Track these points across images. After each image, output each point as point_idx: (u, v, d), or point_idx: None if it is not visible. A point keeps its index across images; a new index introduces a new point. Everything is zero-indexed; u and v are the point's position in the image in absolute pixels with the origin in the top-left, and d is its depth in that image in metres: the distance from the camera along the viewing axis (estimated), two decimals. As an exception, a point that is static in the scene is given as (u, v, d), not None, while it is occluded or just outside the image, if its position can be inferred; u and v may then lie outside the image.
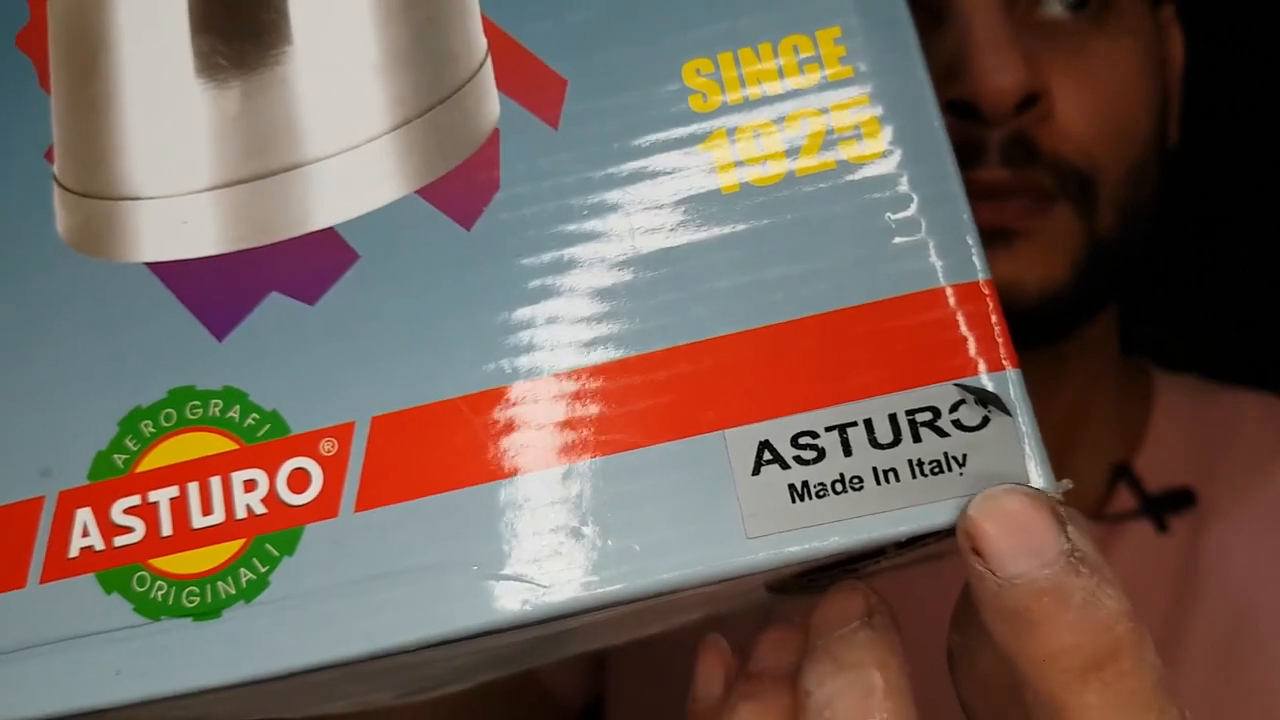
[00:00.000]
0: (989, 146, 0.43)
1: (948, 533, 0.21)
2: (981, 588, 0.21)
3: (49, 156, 0.26)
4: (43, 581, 0.23)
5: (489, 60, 0.25)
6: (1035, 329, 0.46)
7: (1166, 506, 0.51)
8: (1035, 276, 0.44)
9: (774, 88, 0.24)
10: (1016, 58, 0.42)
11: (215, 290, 0.24)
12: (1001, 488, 0.21)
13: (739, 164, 0.23)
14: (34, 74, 0.27)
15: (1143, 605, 0.50)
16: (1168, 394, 0.55)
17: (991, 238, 0.44)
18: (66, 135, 0.26)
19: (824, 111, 0.23)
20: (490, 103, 0.24)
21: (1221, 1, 0.63)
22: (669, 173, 0.24)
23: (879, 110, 0.23)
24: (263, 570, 0.22)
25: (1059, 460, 0.53)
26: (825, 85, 0.24)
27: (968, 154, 0.44)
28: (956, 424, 0.21)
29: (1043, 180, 0.44)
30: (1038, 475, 0.21)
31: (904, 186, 0.23)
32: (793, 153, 0.23)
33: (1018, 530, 0.20)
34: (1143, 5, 0.48)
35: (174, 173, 0.25)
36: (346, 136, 0.25)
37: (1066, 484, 0.21)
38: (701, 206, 0.23)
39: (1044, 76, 0.44)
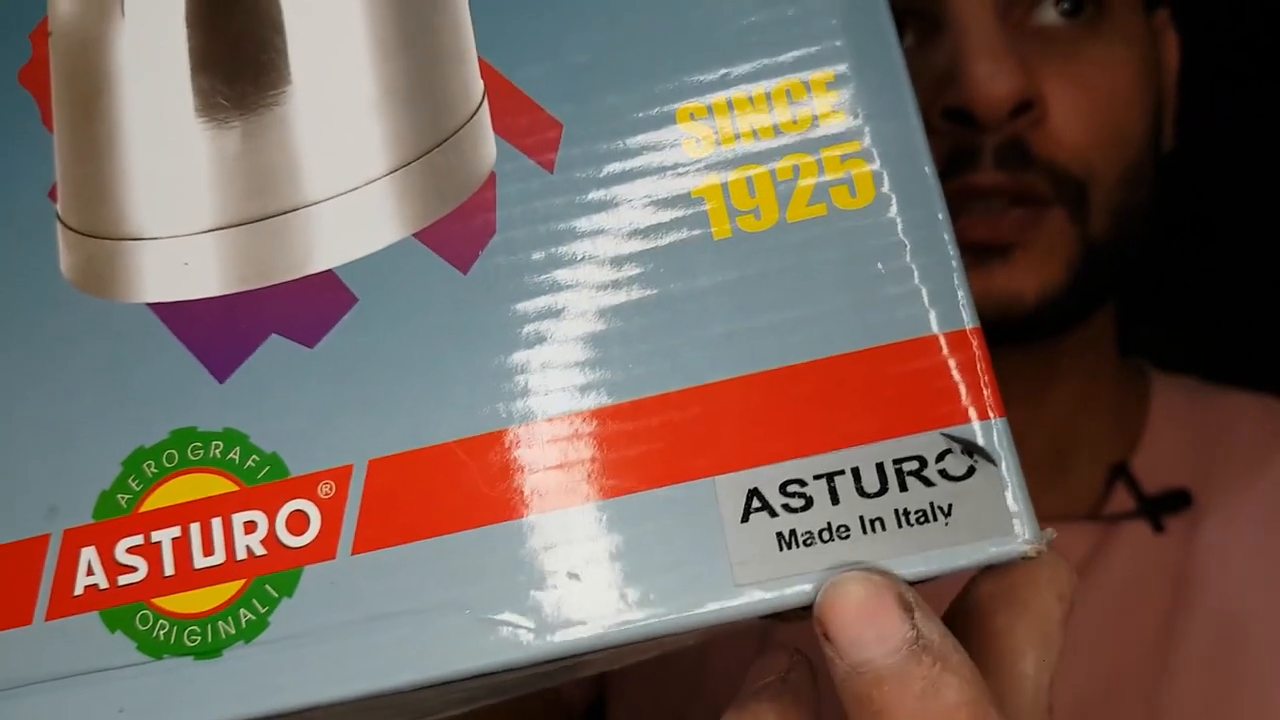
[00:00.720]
0: (983, 151, 0.44)
1: (935, 579, 0.21)
2: (834, 672, 0.21)
3: (52, 195, 0.26)
4: (48, 619, 0.24)
5: (486, 103, 0.25)
6: (1031, 328, 0.46)
7: (1163, 507, 0.51)
8: (1034, 284, 0.45)
9: (767, 133, 0.24)
10: (1011, 64, 0.43)
11: (216, 332, 0.25)
12: (850, 574, 0.21)
13: (732, 210, 0.24)
14: (37, 112, 0.27)
15: (1138, 605, 0.51)
16: (1165, 395, 0.55)
17: (988, 253, 0.45)
18: (69, 174, 0.26)
19: (816, 159, 0.24)
20: (487, 146, 0.25)
21: (1216, 5, 0.63)
22: (663, 219, 0.24)
23: (871, 157, 0.23)
24: (262, 611, 0.23)
25: (1056, 461, 0.53)
26: (818, 131, 0.24)
27: (962, 159, 0.44)
28: (943, 473, 0.22)
29: (1037, 184, 0.45)
30: (1021, 525, 0.21)
31: (895, 234, 0.23)
32: (784, 199, 0.23)
33: (864, 617, 0.21)
34: (1137, 11, 0.49)
35: (175, 213, 0.25)
36: (345, 179, 0.25)
37: (1050, 534, 0.21)
38: (694, 253, 0.23)
39: (1038, 82, 0.44)
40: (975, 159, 0.44)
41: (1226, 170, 0.67)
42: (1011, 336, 0.45)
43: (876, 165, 0.23)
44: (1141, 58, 0.48)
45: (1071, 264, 0.46)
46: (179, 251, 0.25)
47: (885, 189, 0.23)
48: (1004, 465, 0.22)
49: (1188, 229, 0.65)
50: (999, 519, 0.21)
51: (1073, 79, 0.45)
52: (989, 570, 0.23)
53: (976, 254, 0.45)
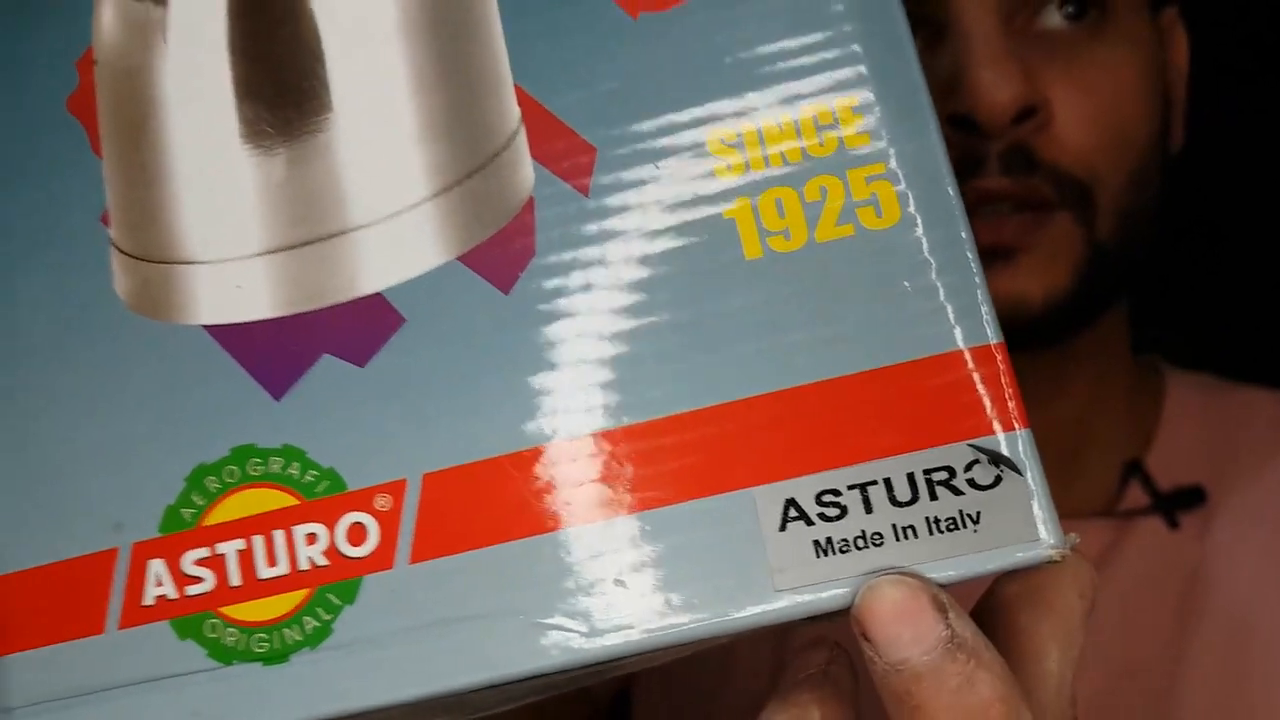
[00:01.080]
0: (989, 158, 0.44)
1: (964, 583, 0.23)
2: (873, 671, 0.22)
3: (104, 220, 0.27)
4: (120, 628, 0.25)
5: (523, 129, 0.26)
6: (1040, 333, 0.47)
7: (1177, 503, 0.52)
8: (1039, 288, 0.45)
9: (795, 157, 0.25)
10: (1014, 71, 0.43)
11: (271, 352, 0.26)
12: (887, 577, 0.22)
13: (763, 231, 0.25)
14: (86, 139, 0.28)
15: (1153, 601, 0.51)
16: (1179, 391, 0.56)
17: (992, 256, 0.45)
18: (120, 200, 0.27)
19: (843, 181, 0.25)
20: (525, 170, 0.26)
21: (1223, 3, 0.63)
22: (695, 240, 0.25)
23: (896, 178, 0.24)
24: (326, 618, 0.24)
25: (1071, 459, 0.53)
26: (844, 154, 0.25)
27: (968, 165, 0.44)
28: (971, 483, 0.23)
29: (1042, 189, 0.45)
30: (1047, 531, 0.22)
31: (921, 253, 0.24)
32: (813, 220, 0.24)
33: (901, 618, 0.22)
34: (1142, 11, 0.49)
35: (226, 238, 0.26)
36: (389, 203, 0.26)
37: (1074, 538, 0.23)
38: (727, 273, 0.24)
39: (1042, 87, 0.44)
40: (981, 165, 0.44)
41: (1234, 170, 0.68)
42: (1018, 342, 0.46)
43: (902, 186, 0.24)
44: (1146, 59, 0.48)
45: (1077, 267, 0.46)
46: (231, 275, 0.26)
47: (910, 209, 0.24)
48: (1029, 475, 0.23)
49: (1195, 229, 0.65)
50: (1025, 526, 0.22)
51: (1077, 83, 0.45)
52: (1014, 571, 0.24)
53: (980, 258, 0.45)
